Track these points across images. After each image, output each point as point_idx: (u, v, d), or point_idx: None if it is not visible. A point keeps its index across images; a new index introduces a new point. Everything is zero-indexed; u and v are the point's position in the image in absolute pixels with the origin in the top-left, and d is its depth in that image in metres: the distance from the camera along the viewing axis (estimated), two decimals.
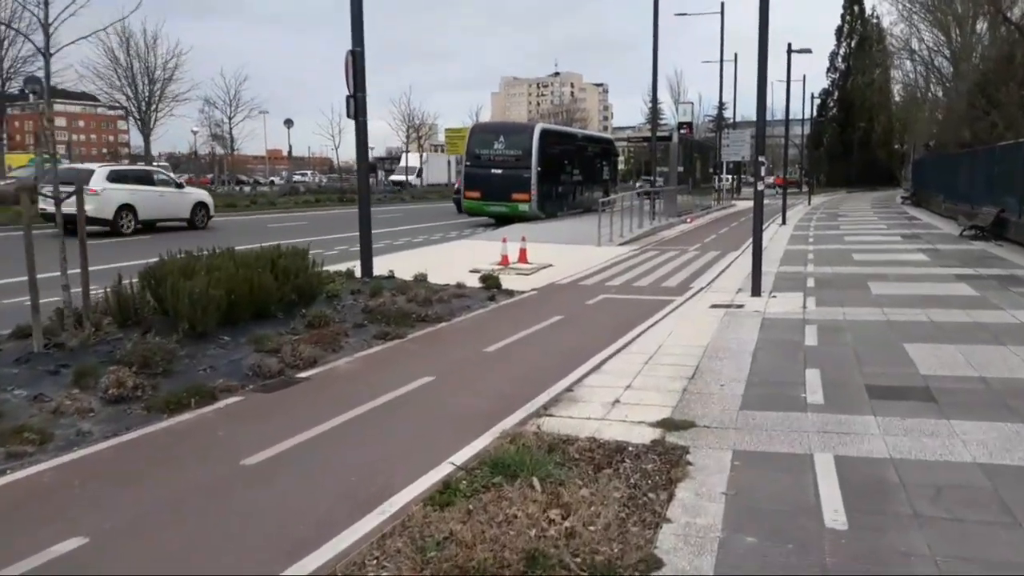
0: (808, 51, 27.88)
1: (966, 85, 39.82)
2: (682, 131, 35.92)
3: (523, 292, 12.61)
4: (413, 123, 58.29)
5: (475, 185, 27.78)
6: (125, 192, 21.93)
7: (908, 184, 66.53)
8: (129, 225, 22.01)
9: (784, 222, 28.39)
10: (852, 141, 74.33)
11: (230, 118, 46.83)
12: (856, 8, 76.77)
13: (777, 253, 18.01)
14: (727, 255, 18.01)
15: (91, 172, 21.41)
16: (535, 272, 14.98)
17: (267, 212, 32.25)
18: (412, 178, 62.13)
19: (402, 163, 64.93)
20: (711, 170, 41.20)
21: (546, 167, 28.01)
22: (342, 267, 13.45)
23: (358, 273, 13.16)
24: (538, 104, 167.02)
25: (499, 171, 27.48)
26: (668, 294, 12.38)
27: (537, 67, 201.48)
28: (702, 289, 12.85)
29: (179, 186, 25.02)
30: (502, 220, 27.86)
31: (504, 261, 15.58)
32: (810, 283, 13.14)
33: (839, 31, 77.66)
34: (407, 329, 9.49)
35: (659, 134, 30.80)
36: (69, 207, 8.09)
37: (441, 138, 67.85)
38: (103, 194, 20.97)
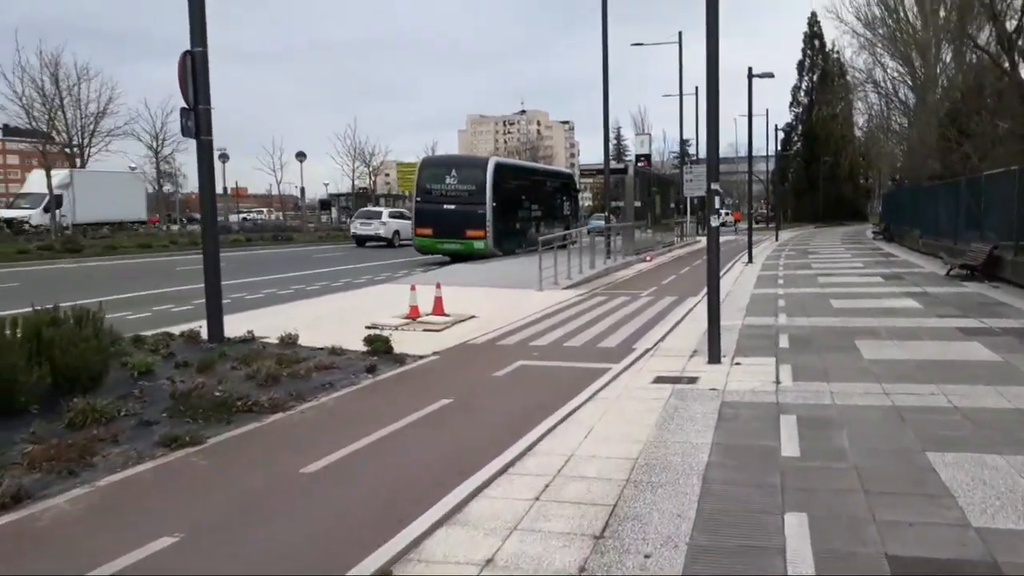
0: (770, 75, 25.75)
1: (934, 116, 38.16)
2: (640, 163, 33.63)
3: (420, 358, 9.80)
4: (363, 157, 55.42)
5: (427, 222, 26.24)
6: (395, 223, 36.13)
7: (877, 219, 65.14)
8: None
9: (751, 260, 25.97)
10: (817, 175, 72.98)
11: (155, 151, 43.66)
12: (816, 43, 76.04)
13: (742, 299, 15.41)
14: (685, 301, 15.38)
15: (380, 212, 37.96)
16: (448, 327, 12.18)
17: (185, 253, 29.23)
18: (35, 213, 37.92)
19: (29, 187, 42.29)
20: (672, 205, 38.92)
21: (502, 202, 26.62)
22: (193, 326, 10.56)
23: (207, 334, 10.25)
24: (505, 142, 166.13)
25: (452, 207, 26.07)
26: (604, 359, 9.63)
27: (504, 107, 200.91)
28: (648, 351, 10.12)
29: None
30: (457, 258, 26.14)
31: (413, 313, 12.77)
32: (783, 341, 10.48)
33: (800, 65, 76.87)
34: (216, 428, 6.63)
35: (614, 166, 28.35)
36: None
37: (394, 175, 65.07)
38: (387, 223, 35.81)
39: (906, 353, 9.39)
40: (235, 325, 11.44)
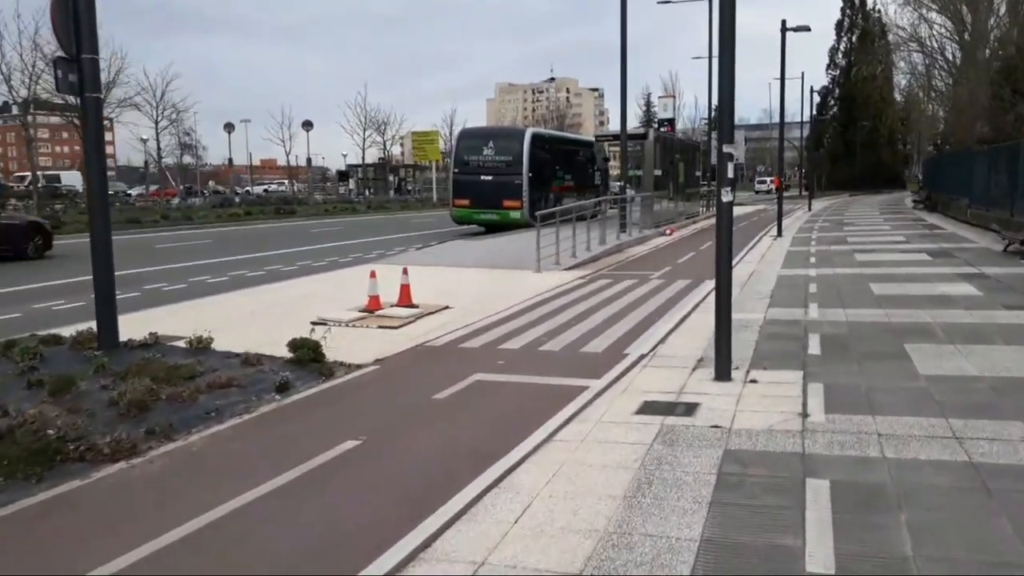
0: (807, 28, 23.13)
1: (985, 75, 35.13)
2: (663, 128, 31.20)
3: (355, 368, 7.87)
4: (376, 126, 53.26)
5: (464, 193, 26.44)
6: None
7: (916, 186, 61.82)
8: None
9: (780, 233, 23.65)
10: (855, 141, 69.55)
11: (156, 121, 41.94)
12: (856, 1, 72.18)
13: (767, 283, 13.24)
14: (700, 286, 13.26)
15: None
16: (410, 322, 10.22)
17: (174, 228, 27.58)
18: None
19: None
20: (698, 173, 36.45)
21: (537, 172, 26.62)
22: (90, 326, 8.71)
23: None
24: (533, 110, 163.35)
25: (489, 177, 26.20)
26: (583, 371, 7.61)
27: (533, 74, 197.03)
28: (642, 358, 8.08)
29: None
30: (492, 228, 25.76)
31: (372, 304, 10.83)
32: (813, 345, 8.37)
33: (839, 25, 73.13)
34: (11, 492, 4.76)
35: (633, 131, 26.07)
36: None
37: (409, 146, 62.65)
38: None
39: (975, 365, 7.24)
40: (154, 321, 9.63)
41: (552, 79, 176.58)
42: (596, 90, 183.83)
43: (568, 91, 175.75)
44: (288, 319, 9.93)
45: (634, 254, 19.62)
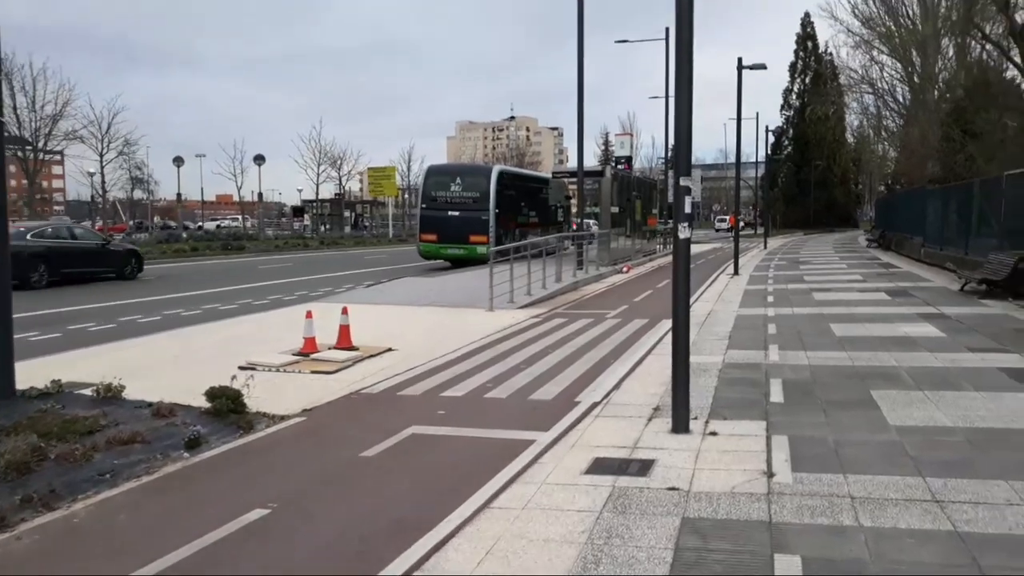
0: (763, 67, 23.14)
1: (935, 116, 35.81)
2: (620, 166, 31.05)
3: (279, 420, 7.14)
4: (331, 161, 52.48)
5: (431, 228, 26.84)
6: None
7: (868, 225, 62.80)
8: None
9: (736, 272, 23.41)
10: (808, 181, 70.63)
11: (101, 154, 40.73)
12: (809, 44, 73.90)
13: (725, 323, 12.80)
14: (657, 325, 12.77)
15: None
16: (348, 366, 9.51)
17: None
18: None
19: None
20: (655, 211, 36.36)
21: (504, 209, 27.20)
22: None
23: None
24: (493, 147, 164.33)
25: (456, 213, 26.65)
26: (530, 422, 6.98)
27: (494, 113, 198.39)
28: (595, 407, 7.48)
29: None
30: (458, 263, 26.07)
31: (308, 347, 10.09)
32: (775, 392, 7.86)
33: (792, 67, 74.59)
34: None
35: (589, 169, 25.80)
36: None
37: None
38: None
39: (947, 414, 6.77)
40: (66, 366, 8.79)
41: (512, 118, 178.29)
42: (556, 129, 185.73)
43: (528, 130, 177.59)
44: (215, 363, 9.16)
45: (590, 292, 19.15)
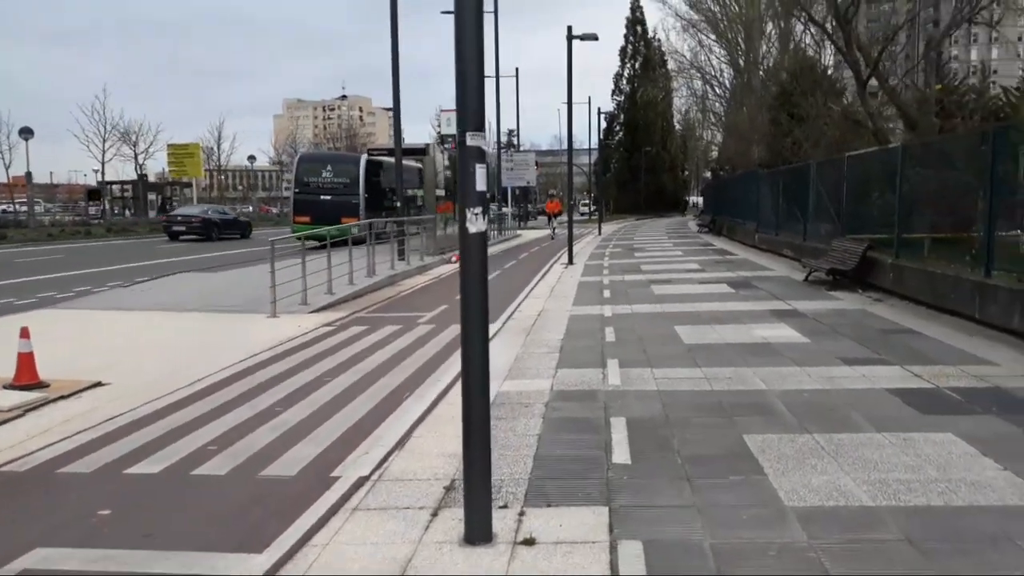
0: (594, 37, 21.26)
1: (763, 99, 35.87)
2: (446, 145, 28.61)
3: None
4: (126, 139, 46.51)
5: (304, 211, 28.23)
6: None
7: (697, 210, 63.99)
8: None
9: (571, 261, 21.57)
10: (639, 167, 71.18)
11: None
12: (639, 28, 74.39)
13: (556, 331, 10.61)
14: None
15: None
16: (15, 416, 6.46)
17: None
18: None
19: None
20: (488, 195, 34.28)
21: (371, 192, 29.30)
22: None
23: None
24: (324, 127, 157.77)
25: (328, 197, 28.44)
26: (239, 535, 4.35)
27: (326, 92, 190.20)
28: (358, 488, 4.93)
29: None
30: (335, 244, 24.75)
31: None
32: (618, 444, 5.61)
33: (623, 52, 74.84)
34: None
35: (410, 146, 23.15)
36: None
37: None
38: None
39: (857, 478, 4.76)
40: None
41: (344, 96, 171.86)
42: (390, 109, 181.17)
43: (361, 110, 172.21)
44: None
45: (408, 287, 16.63)
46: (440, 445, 5.67)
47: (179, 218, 35.16)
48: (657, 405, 6.60)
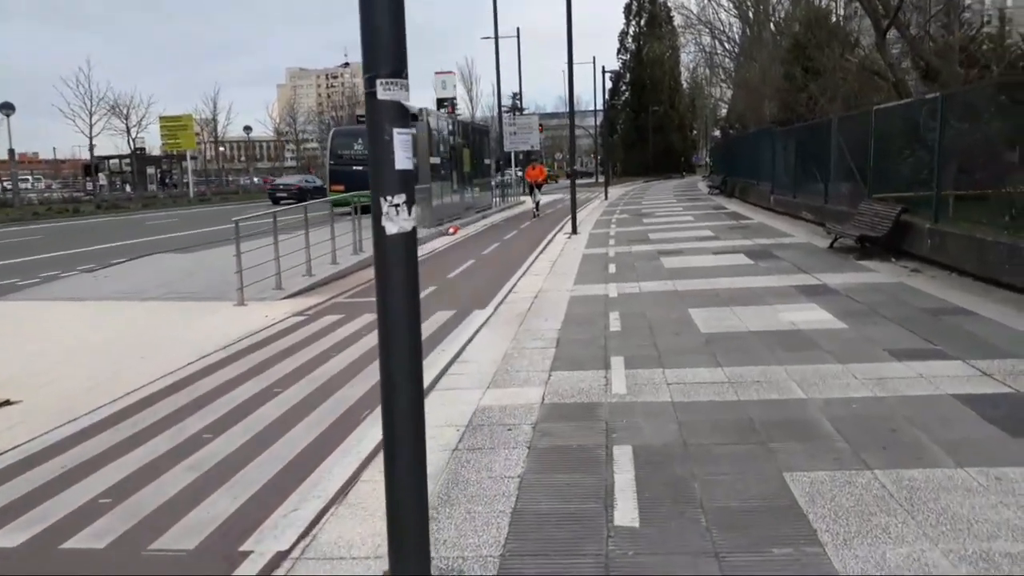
0: None
1: (776, 53, 34.05)
2: (442, 110, 27.12)
3: None
4: (112, 108, 45.04)
5: (340, 180, 29.19)
6: None
7: (706, 170, 62.14)
8: None
9: (575, 230, 20.19)
10: (647, 127, 69.33)
11: None
12: None
13: (554, 318, 9.29)
14: (464, 322, 9.21)
15: None
16: None
17: None
18: None
19: None
20: (488, 161, 32.83)
21: None
22: None
23: None
24: (328, 96, 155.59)
25: (360, 168, 27.77)
26: None
27: (328, 61, 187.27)
28: (280, 566, 3.68)
29: None
30: (367, 209, 24.80)
31: None
32: (623, 492, 4.32)
33: (628, 9, 72.58)
34: None
35: None
36: None
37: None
38: None
39: (945, 543, 3.47)
40: None
41: (347, 64, 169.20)
42: None
43: None
44: None
45: None
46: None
47: (281, 186, 44.27)
48: (672, 426, 5.30)
